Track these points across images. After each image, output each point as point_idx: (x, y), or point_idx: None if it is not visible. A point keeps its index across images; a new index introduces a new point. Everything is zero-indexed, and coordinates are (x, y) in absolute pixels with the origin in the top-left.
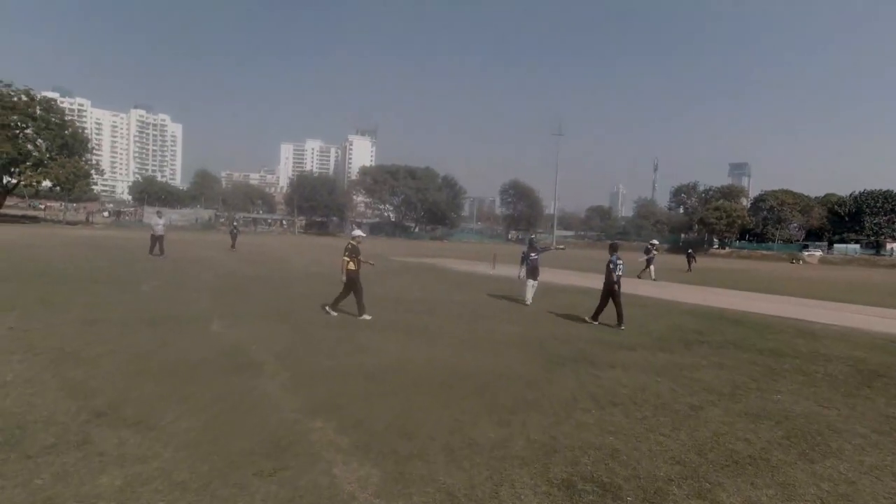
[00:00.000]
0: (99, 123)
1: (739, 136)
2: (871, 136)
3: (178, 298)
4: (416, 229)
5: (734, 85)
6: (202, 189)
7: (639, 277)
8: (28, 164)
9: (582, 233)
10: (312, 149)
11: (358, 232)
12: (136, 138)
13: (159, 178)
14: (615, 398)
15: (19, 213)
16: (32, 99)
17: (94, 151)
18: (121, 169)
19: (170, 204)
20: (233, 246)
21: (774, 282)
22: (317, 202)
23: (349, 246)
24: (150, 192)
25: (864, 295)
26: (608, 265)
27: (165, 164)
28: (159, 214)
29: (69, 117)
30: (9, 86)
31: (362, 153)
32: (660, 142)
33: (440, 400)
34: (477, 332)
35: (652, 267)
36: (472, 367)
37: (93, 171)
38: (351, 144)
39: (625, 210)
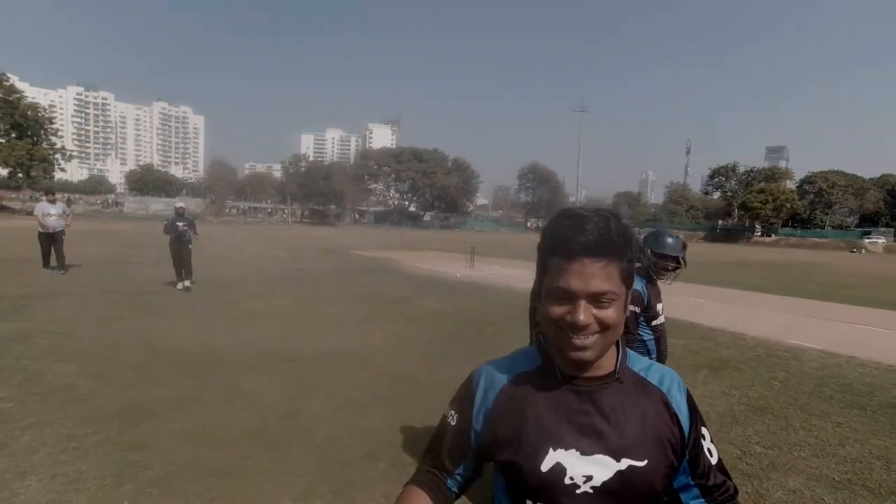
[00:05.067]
0: (123, 117)
1: (775, 119)
2: None
3: None
4: (427, 217)
5: (767, 65)
6: (216, 179)
7: None
8: None
9: None
10: (333, 138)
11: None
12: (159, 131)
13: (182, 170)
14: None
15: None
16: None
17: (116, 141)
18: (145, 161)
19: (169, 194)
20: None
21: (851, 284)
22: (311, 189)
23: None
24: (146, 182)
25: None
26: None
27: (188, 155)
28: (52, 199)
29: (97, 112)
30: None
31: (383, 141)
32: (691, 124)
33: None
34: None
35: None
36: None
37: (57, 156)
38: (371, 133)
39: (654, 197)
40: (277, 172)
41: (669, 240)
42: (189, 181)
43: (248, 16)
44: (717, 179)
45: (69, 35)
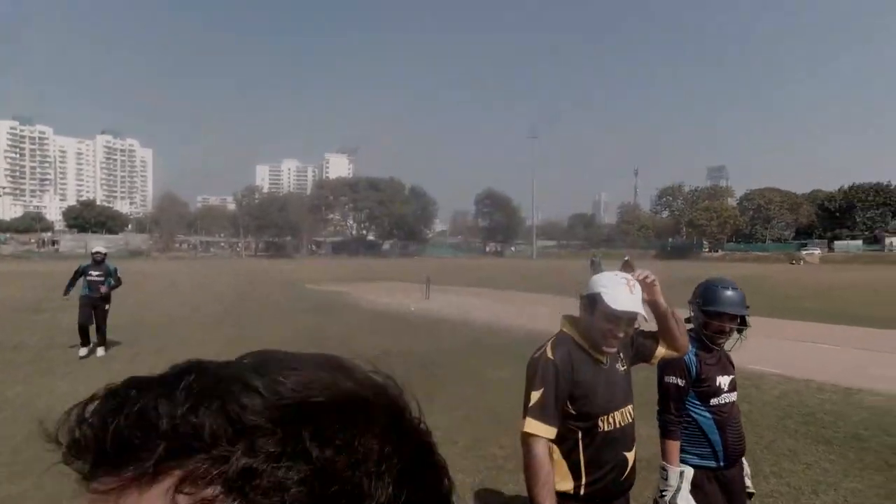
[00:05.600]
0: (63, 151)
1: (715, 138)
2: (855, 127)
3: None
4: (386, 246)
5: (708, 87)
6: (165, 213)
7: None
8: None
9: (565, 242)
10: (289, 169)
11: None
12: (104, 165)
13: (129, 205)
14: None
15: None
16: None
17: (56, 176)
18: (88, 196)
19: (112, 230)
20: None
21: (794, 296)
22: (266, 221)
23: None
24: (86, 218)
25: None
26: None
27: (136, 190)
28: None
29: (33, 146)
30: None
31: (340, 171)
32: (637, 148)
33: None
34: None
35: None
36: None
37: None
38: (327, 163)
39: (608, 217)
40: (232, 205)
41: (727, 293)
42: (136, 216)
43: (197, 45)
44: (664, 199)
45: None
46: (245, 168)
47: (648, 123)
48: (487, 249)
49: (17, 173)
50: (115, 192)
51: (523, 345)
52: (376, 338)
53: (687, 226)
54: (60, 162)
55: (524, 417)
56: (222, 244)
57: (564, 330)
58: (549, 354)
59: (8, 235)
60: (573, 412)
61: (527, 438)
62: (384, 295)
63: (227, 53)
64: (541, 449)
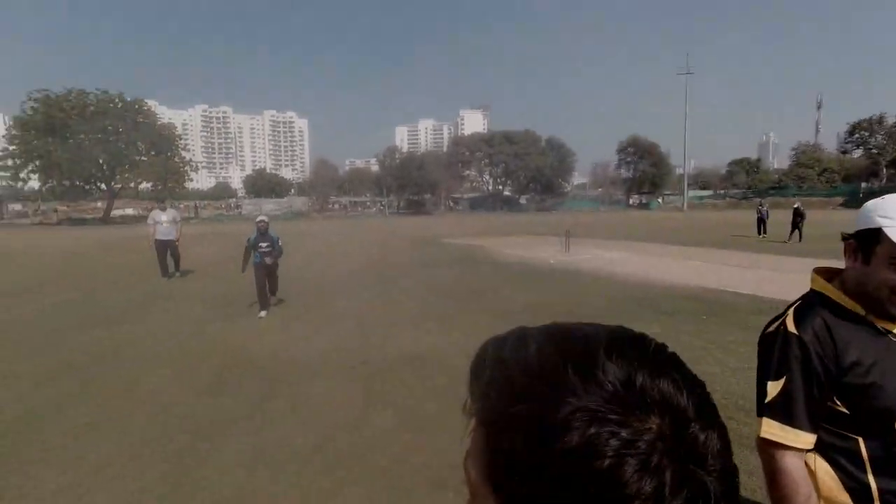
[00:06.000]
0: (240, 128)
1: None
2: None
3: None
4: (523, 201)
5: None
6: (320, 178)
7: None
8: (125, 166)
9: (722, 192)
10: (426, 128)
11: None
12: (270, 137)
13: (291, 172)
14: None
15: (138, 213)
16: (124, 103)
17: (236, 150)
18: (260, 166)
19: (280, 195)
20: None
21: None
22: (406, 181)
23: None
24: (259, 185)
25: None
26: None
27: (296, 157)
28: (163, 207)
29: (219, 125)
30: (105, 92)
31: (475, 127)
32: (821, 77)
33: None
34: None
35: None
36: None
37: (187, 168)
38: (462, 120)
39: (778, 161)
40: (375, 167)
41: None
42: (297, 181)
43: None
44: (858, 135)
45: (197, 59)
46: (386, 130)
47: (832, 46)
48: (631, 202)
49: (210, 149)
50: (281, 160)
51: (676, 299)
52: (516, 290)
53: (888, 166)
54: (238, 137)
55: (760, 416)
56: (367, 203)
57: (817, 289)
58: (792, 327)
59: (205, 202)
60: (845, 411)
61: (766, 447)
62: (521, 248)
63: (365, 25)
64: (791, 463)
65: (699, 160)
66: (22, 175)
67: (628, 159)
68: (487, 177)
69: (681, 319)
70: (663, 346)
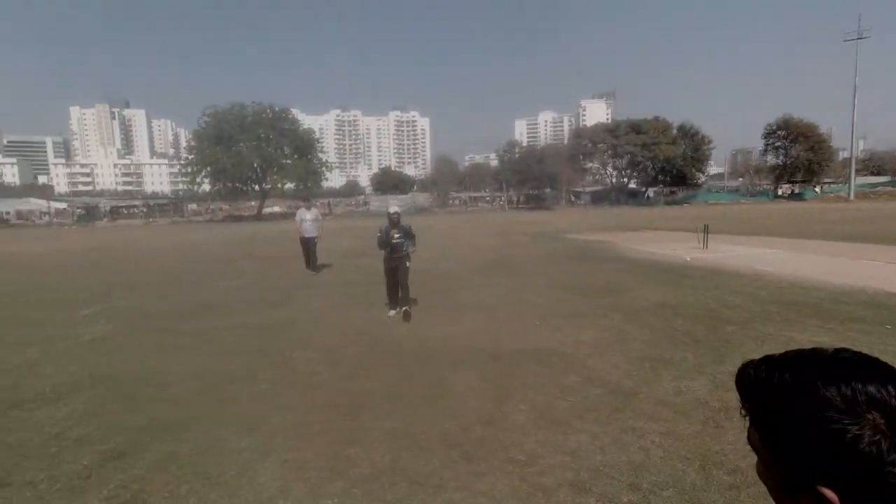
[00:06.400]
0: (368, 129)
1: None
2: None
3: None
4: (650, 194)
5: None
6: (440, 174)
7: None
8: (274, 168)
9: None
10: (545, 121)
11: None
12: (395, 136)
13: (413, 169)
14: None
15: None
16: (273, 113)
17: (364, 150)
18: (385, 164)
19: (403, 191)
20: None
21: None
22: (525, 175)
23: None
24: (385, 182)
25: None
26: None
27: (418, 155)
28: (307, 206)
29: (350, 128)
30: (259, 104)
31: (597, 118)
32: None
33: None
34: None
35: None
36: None
37: (323, 169)
38: (584, 110)
39: None
40: (494, 161)
41: None
42: (419, 177)
43: (459, 24)
44: None
45: (330, 70)
46: (505, 124)
47: None
48: (780, 192)
49: (342, 151)
50: (404, 158)
51: (848, 304)
52: (649, 288)
53: None
54: (366, 138)
55: None
56: (487, 198)
57: None
58: None
59: (338, 200)
60: None
61: None
62: (652, 244)
63: (484, 19)
64: None
65: (869, 141)
66: (198, 179)
67: (777, 144)
68: (611, 169)
69: (856, 329)
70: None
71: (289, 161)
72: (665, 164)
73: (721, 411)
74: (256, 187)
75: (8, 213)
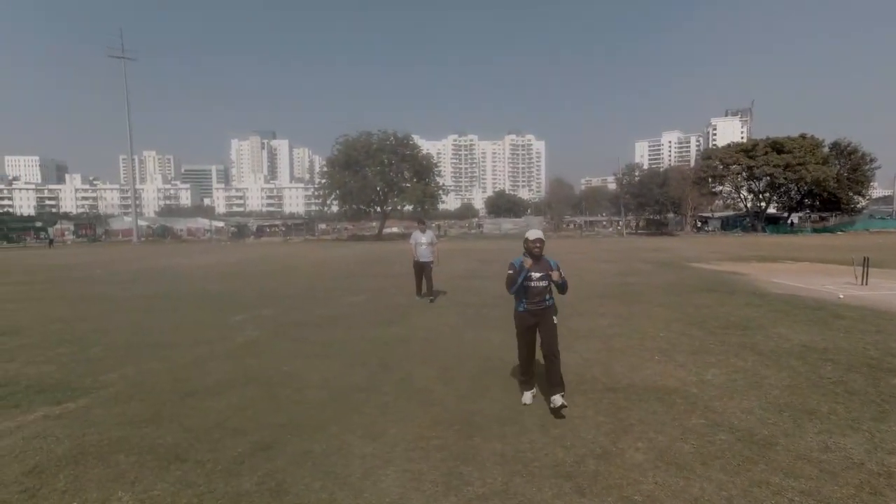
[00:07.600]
0: (483, 153)
1: None
2: None
3: None
4: (793, 220)
5: None
6: (555, 197)
7: None
8: (395, 191)
9: None
10: (669, 142)
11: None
12: (510, 160)
13: (528, 192)
14: None
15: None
16: (396, 139)
17: (479, 174)
18: (499, 187)
19: (517, 214)
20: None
21: None
22: (645, 199)
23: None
24: (499, 205)
25: None
26: None
27: (532, 178)
28: (423, 229)
29: (465, 152)
30: (384, 132)
31: (730, 137)
32: None
33: None
34: None
35: None
36: None
37: (440, 192)
38: (714, 129)
39: None
40: (612, 184)
41: None
42: (533, 200)
43: (580, 42)
44: None
45: (446, 99)
46: (624, 146)
47: None
48: None
49: (457, 174)
50: (518, 181)
51: None
52: (790, 328)
53: None
54: (482, 161)
55: None
56: (604, 223)
57: None
58: None
59: (453, 221)
60: None
61: None
62: (795, 278)
63: (601, 38)
64: None
65: None
66: (328, 201)
67: None
68: (746, 192)
69: None
70: None
71: (408, 184)
72: (813, 187)
73: (881, 476)
74: (378, 209)
75: (181, 230)
